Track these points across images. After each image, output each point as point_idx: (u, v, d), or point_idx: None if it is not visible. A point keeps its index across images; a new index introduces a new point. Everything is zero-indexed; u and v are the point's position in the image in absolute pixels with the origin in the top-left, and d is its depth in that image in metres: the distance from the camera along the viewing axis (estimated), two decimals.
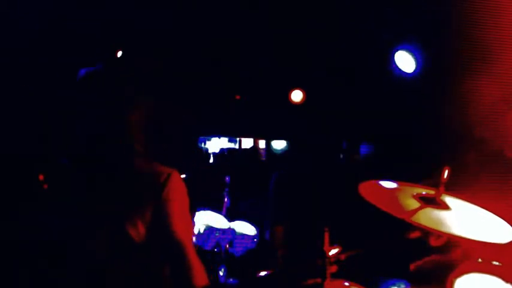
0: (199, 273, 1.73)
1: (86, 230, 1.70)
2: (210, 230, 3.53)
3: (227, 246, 3.49)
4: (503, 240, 1.63)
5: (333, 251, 1.72)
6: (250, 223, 3.78)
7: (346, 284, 1.90)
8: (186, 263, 1.72)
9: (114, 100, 1.78)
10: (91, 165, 1.77)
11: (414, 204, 1.73)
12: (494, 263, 1.94)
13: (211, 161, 8.66)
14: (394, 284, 2.40)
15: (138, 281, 1.72)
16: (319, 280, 1.74)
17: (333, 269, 1.73)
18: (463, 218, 1.72)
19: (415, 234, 2.00)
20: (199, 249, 3.51)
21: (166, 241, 1.73)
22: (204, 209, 3.82)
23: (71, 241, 1.69)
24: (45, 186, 1.70)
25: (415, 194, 1.80)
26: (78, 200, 1.73)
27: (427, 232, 1.88)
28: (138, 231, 1.68)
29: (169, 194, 1.75)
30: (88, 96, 1.76)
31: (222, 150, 8.80)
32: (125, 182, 1.77)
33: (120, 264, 1.69)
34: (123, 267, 1.69)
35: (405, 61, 4.37)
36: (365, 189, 1.79)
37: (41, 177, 1.70)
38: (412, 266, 2.21)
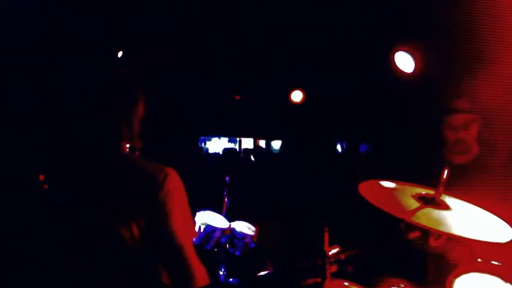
0: (199, 274, 1.69)
1: (73, 231, 1.63)
2: (210, 229, 3.53)
3: (227, 246, 3.49)
4: (503, 240, 1.63)
5: (333, 251, 1.72)
6: (250, 223, 3.77)
7: (346, 284, 1.91)
8: (185, 264, 1.67)
9: (117, 97, 1.75)
10: (83, 160, 1.72)
11: (414, 204, 1.73)
12: (494, 262, 1.94)
13: (210, 161, 8.66)
14: (394, 284, 2.40)
15: (132, 285, 1.67)
16: (319, 280, 1.74)
17: (333, 269, 1.73)
18: (463, 218, 1.72)
19: (415, 234, 2.00)
20: (200, 249, 3.51)
21: (164, 243, 1.67)
22: (204, 209, 3.82)
23: (58, 242, 1.63)
24: (45, 187, 1.69)
25: (414, 194, 1.80)
26: (67, 197, 1.67)
27: (427, 232, 1.88)
28: (132, 233, 1.62)
29: (168, 194, 1.67)
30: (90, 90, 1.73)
31: (225, 149, 8.82)
32: (119, 179, 1.69)
33: (111, 268, 1.63)
34: (114, 272, 1.63)
35: (405, 61, 4.38)
36: (365, 189, 1.80)
37: (41, 177, 1.69)
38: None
